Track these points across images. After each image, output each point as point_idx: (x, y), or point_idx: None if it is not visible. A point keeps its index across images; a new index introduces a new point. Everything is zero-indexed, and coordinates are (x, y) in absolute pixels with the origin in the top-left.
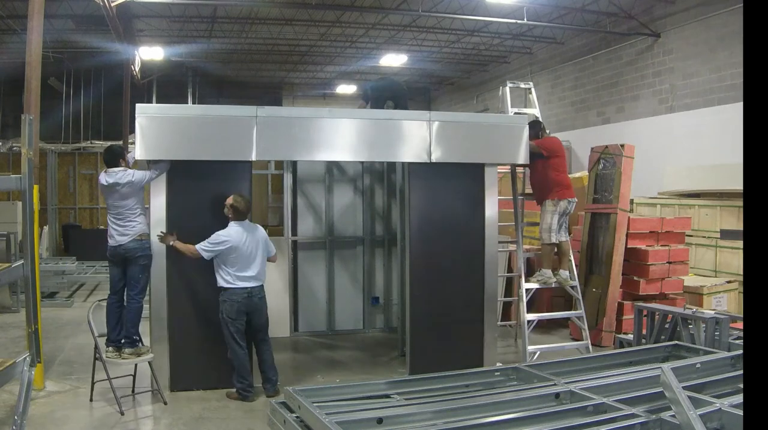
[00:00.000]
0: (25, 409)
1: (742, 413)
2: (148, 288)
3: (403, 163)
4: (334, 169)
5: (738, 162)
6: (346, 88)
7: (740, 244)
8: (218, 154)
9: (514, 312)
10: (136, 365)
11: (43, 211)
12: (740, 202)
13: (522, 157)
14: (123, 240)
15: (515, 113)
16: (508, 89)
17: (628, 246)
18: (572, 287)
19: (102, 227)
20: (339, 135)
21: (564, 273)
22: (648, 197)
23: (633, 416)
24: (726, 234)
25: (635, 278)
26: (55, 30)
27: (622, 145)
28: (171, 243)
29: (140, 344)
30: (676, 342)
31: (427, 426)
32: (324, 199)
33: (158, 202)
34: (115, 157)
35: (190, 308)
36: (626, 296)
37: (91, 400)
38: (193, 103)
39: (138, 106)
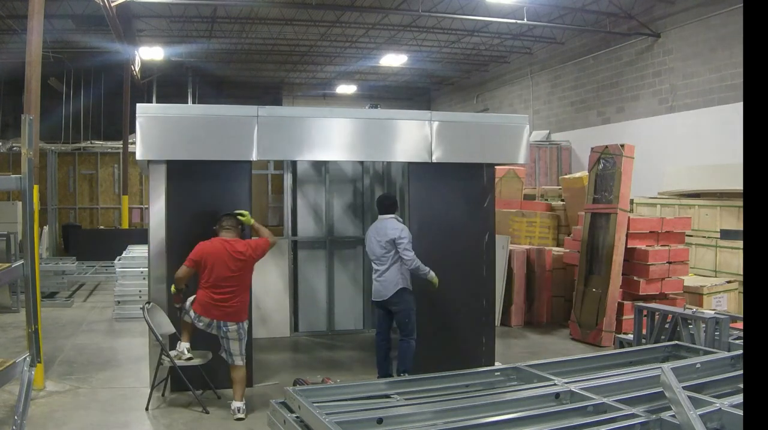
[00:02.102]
0: (25, 409)
1: (742, 413)
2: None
3: (403, 164)
4: (334, 169)
5: (738, 162)
6: (346, 88)
7: (740, 244)
8: (219, 154)
9: (514, 312)
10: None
11: (43, 211)
12: (740, 202)
13: (522, 157)
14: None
15: None
16: None
17: (628, 246)
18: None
19: (102, 226)
20: (340, 135)
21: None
22: (648, 197)
23: (633, 416)
24: (726, 234)
25: (635, 278)
26: (55, 30)
27: (622, 145)
28: None
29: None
30: (676, 342)
31: (427, 426)
32: (324, 199)
33: (158, 202)
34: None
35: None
36: (626, 296)
37: (147, 409)
38: (193, 103)
39: (139, 105)
